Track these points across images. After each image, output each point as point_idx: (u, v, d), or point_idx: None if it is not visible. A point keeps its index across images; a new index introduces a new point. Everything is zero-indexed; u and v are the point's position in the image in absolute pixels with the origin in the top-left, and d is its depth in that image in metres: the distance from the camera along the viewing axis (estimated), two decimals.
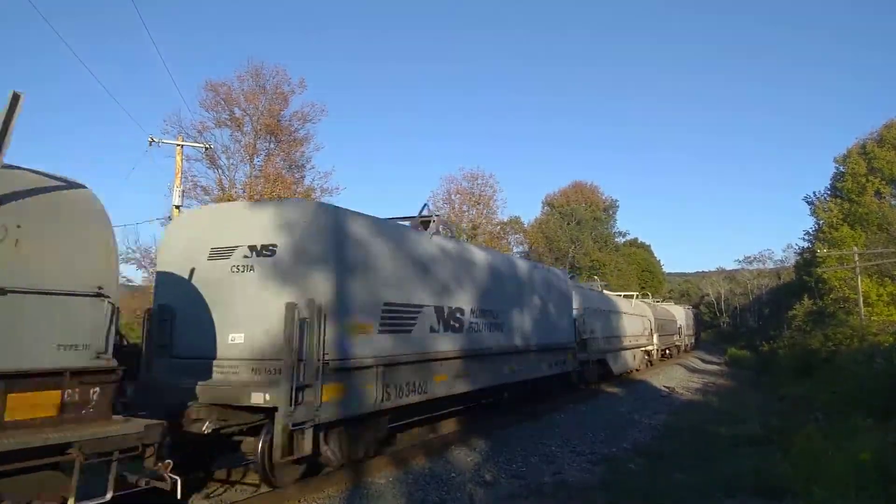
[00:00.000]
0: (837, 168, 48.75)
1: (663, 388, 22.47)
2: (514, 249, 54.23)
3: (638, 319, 26.86)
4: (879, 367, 15.32)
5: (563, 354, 15.71)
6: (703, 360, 41.12)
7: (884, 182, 43.84)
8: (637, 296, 33.39)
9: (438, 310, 9.80)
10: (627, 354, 24.83)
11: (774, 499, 7.46)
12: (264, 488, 7.60)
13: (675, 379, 26.37)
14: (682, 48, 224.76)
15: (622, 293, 33.33)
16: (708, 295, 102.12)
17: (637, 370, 26.26)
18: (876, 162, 44.21)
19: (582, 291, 19.94)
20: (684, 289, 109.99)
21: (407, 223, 10.93)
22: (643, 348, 28.07)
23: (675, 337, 38.75)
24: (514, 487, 8.48)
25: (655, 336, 30.37)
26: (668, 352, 36.58)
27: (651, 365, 29.91)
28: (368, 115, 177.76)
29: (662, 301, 42.78)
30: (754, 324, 76.14)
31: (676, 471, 9.19)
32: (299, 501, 7.20)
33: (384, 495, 7.70)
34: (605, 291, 26.11)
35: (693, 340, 51.13)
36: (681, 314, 42.79)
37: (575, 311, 17.59)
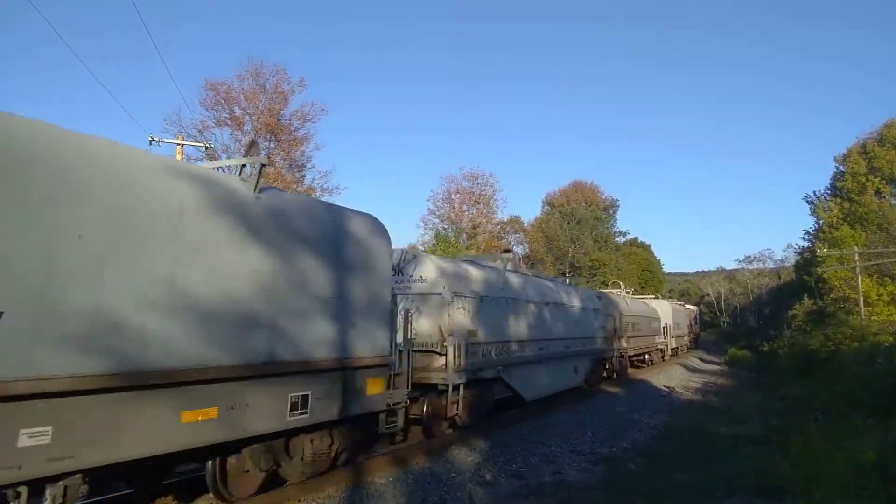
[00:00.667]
0: (837, 167, 48.80)
1: (663, 388, 22.46)
2: (514, 249, 54.26)
3: (582, 314, 18.20)
4: (880, 367, 15.33)
5: (353, 381, 7.74)
6: (703, 360, 41.11)
7: (884, 181, 43.85)
8: (574, 282, 26.69)
9: None
10: (559, 368, 16.38)
11: (774, 499, 7.45)
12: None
13: (675, 379, 26.36)
14: (683, 50, 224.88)
15: (562, 279, 27.22)
16: (708, 295, 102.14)
17: (583, 387, 18.64)
18: (876, 161, 44.23)
19: (452, 266, 12.16)
20: (684, 288, 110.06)
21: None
22: (594, 357, 19.45)
23: (658, 339, 31.68)
24: (514, 487, 8.48)
25: (620, 339, 22.92)
26: (646, 357, 29.79)
27: (615, 376, 22.79)
28: (368, 117, 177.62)
29: (632, 293, 32.88)
30: (754, 323, 76.13)
31: (676, 471, 9.19)
32: (299, 501, 7.20)
33: (384, 495, 7.70)
34: (520, 270, 16.55)
35: (688, 342, 44.58)
36: (666, 311, 34.91)
37: (435, 295, 10.88)
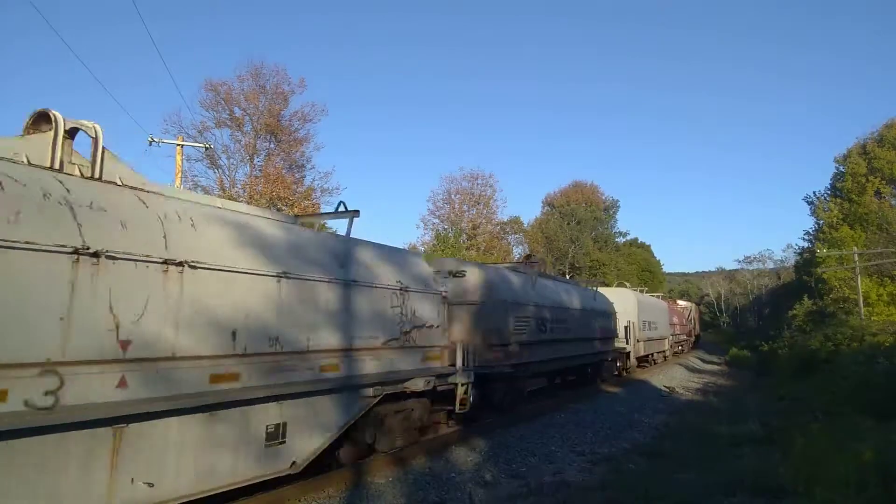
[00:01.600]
0: (837, 168, 48.88)
1: (663, 388, 22.45)
2: (514, 250, 54.32)
3: (343, 298, 7.90)
4: (880, 367, 15.32)
5: None
6: (704, 360, 41.13)
7: (884, 182, 43.90)
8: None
9: None
10: (156, 451, 5.35)
11: (774, 499, 7.44)
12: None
13: (675, 379, 26.34)
14: (683, 49, 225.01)
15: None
16: (708, 295, 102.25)
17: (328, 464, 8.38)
18: (876, 162, 44.27)
19: None
20: (684, 289, 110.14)
21: None
22: (382, 393, 8.51)
23: (600, 344, 20.21)
24: (513, 487, 8.47)
25: (495, 348, 12.75)
26: (590, 371, 20.22)
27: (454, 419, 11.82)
28: (367, 116, 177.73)
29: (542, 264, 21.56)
30: (754, 324, 76.17)
31: (676, 471, 9.18)
32: (299, 501, 7.20)
33: (384, 495, 7.70)
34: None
35: (670, 348, 35.24)
36: (628, 304, 25.10)
37: None
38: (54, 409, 4.51)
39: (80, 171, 5.75)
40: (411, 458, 9.29)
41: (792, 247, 67.13)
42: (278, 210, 28.87)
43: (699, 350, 52.21)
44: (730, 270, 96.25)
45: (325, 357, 7.40)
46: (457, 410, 10.54)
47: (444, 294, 10.43)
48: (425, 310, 9.70)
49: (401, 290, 9.09)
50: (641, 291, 33.48)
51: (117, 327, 5.02)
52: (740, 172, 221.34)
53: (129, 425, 5.12)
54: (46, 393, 4.48)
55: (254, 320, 6.38)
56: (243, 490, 6.42)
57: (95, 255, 4.89)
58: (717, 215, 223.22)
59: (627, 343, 24.50)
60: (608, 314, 21.76)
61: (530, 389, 16.03)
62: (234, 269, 6.25)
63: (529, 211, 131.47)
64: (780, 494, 7.47)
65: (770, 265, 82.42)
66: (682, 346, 41.63)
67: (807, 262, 49.50)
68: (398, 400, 9.12)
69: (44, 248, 4.58)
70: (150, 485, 5.28)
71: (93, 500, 4.85)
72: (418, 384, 9.17)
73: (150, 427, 5.29)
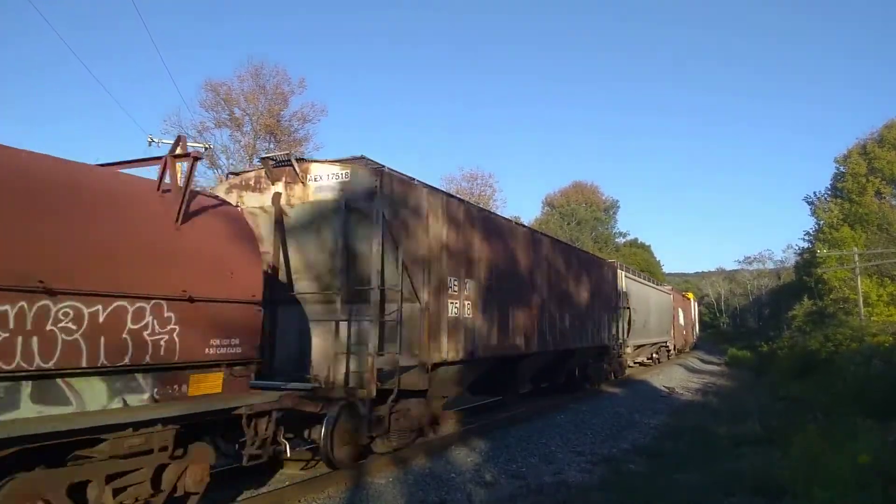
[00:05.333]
0: (838, 168, 48.94)
1: (663, 389, 22.48)
2: None
3: None
4: (878, 368, 15.34)
5: None
6: (703, 361, 41.12)
7: (884, 182, 43.95)
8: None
9: None
10: None
11: (774, 499, 7.46)
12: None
13: (675, 379, 26.36)
14: (682, 48, 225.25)
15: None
16: (708, 295, 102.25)
17: None
18: (876, 162, 44.31)
19: None
20: (684, 289, 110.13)
21: None
22: None
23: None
24: (514, 487, 8.48)
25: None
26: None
27: None
28: (366, 115, 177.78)
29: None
30: (754, 324, 76.22)
31: (676, 471, 9.19)
32: (299, 501, 7.21)
33: (384, 495, 7.71)
34: None
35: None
36: None
37: None
38: None
39: None
40: (411, 458, 9.31)
41: (792, 247, 67.21)
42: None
43: (699, 350, 52.20)
44: (730, 271, 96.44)
45: None
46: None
47: None
48: None
49: None
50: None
51: None
52: (740, 172, 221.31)
53: None
54: None
55: None
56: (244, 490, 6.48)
57: None
58: (717, 215, 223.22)
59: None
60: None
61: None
62: None
63: (529, 211, 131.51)
64: (779, 494, 7.48)
65: (770, 265, 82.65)
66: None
67: (807, 262, 49.54)
68: None
69: None
70: None
71: None
72: None
73: None
